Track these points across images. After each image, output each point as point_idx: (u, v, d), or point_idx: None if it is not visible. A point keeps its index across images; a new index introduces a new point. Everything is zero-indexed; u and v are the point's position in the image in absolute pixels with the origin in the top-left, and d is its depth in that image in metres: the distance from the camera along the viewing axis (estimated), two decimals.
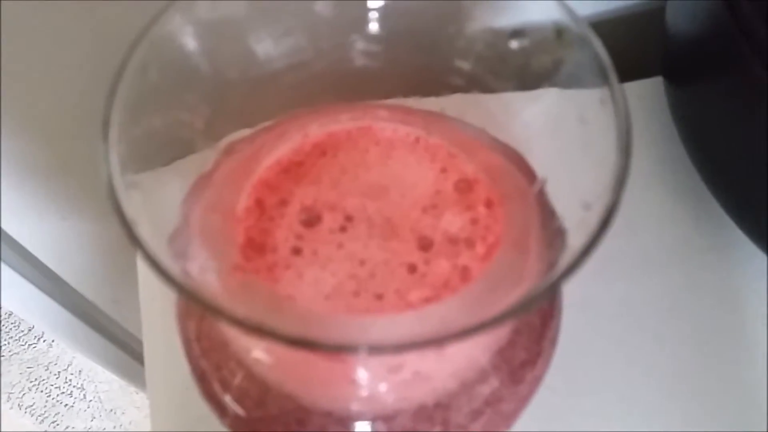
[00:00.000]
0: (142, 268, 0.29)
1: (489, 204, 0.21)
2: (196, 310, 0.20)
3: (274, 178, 0.21)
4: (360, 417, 0.19)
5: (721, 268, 0.30)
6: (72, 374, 0.64)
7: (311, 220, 0.21)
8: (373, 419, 0.19)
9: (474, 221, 0.20)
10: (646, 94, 0.35)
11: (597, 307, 0.28)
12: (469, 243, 0.20)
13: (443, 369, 0.19)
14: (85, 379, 0.65)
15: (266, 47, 0.20)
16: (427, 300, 0.18)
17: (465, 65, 0.20)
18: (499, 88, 0.19)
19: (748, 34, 0.26)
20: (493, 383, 0.19)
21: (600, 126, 0.16)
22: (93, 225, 0.39)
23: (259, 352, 0.19)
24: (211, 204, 0.20)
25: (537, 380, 0.21)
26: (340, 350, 0.13)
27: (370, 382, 0.18)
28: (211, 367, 0.20)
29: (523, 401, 0.20)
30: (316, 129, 0.21)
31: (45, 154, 0.35)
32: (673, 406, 0.26)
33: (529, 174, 0.20)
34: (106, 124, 0.15)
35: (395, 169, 0.22)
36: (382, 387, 0.18)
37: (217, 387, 0.20)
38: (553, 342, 0.21)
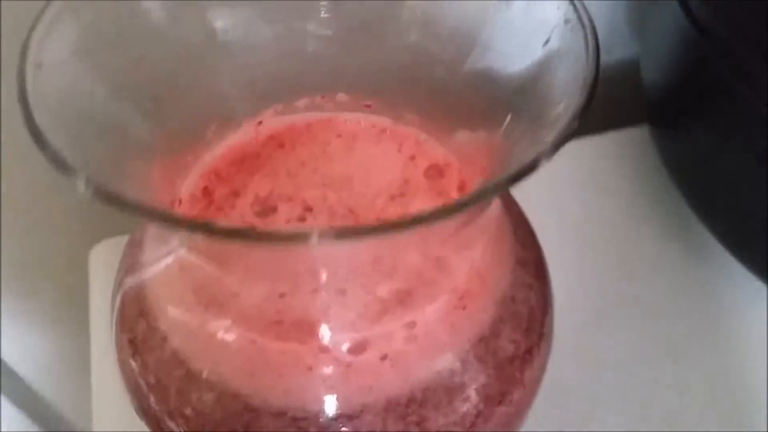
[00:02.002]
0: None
1: (462, 187, 0.19)
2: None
3: (226, 169, 0.19)
4: (319, 416, 0.16)
5: (719, 293, 0.30)
6: None
7: (266, 211, 0.19)
8: (336, 418, 0.16)
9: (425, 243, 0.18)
10: (634, 141, 0.35)
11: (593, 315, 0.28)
12: (427, 260, 0.17)
13: (415, 353, 0.16)
14: None
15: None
16: (398, 293, 0.16)
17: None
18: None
19: (729, 77, 0.26)
20: (478, 378, 0.17)
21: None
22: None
23: (200, 342, 0.16)
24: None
25: (534, 382, 0.18)
26: (291, 240, 0.11)
27: (330, 368, 0.16)
28: (150, 387, 0.17)
29: (520, 404, 0.17)
30: (271, 118, 0.20)
31: None
32: (672, 406, 0.26)
33: None
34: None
35: (359, 160, 0.20)
36: (344, 374, 0.15)
37: (154, 403, 0.17)
38: (547, 341, 0.18)
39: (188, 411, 0.16)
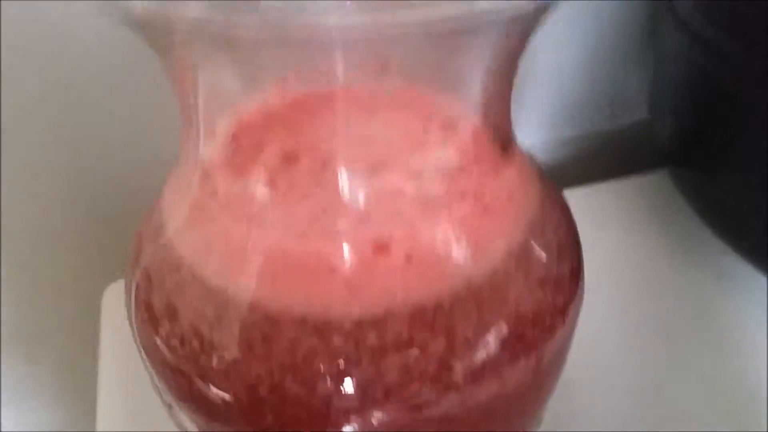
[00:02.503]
0: None
1: (477, 139, 0.19)
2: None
3: (252, 122, 0.19)
4: (341, 321, 0.15)
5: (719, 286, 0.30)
6: None
7: (289, 160, 0.19)
8: (358, 324, 0.15)
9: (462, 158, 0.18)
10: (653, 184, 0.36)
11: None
12: (465, 171, 0.18)
13: (440, 257, 0.15)
14: None
15: None
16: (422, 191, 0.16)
17: None
18: None
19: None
20: (508, 293, 0.16)
21: None
22: None
23: (218, 254, 0.16)
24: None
25: (567, 319, 0.17)
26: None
27: (353, 270, 0.15)
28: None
29: (553, 334, 0.16)
30: (295, 82, 0.20)
31: None
32: (672, 406, 0.26)
33: None
34: None
35: (379, 123, 0.20)
36: (367, 276, 0.15)
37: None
38: (579, 283, 0.18)
39: (203, 328, 0.15)
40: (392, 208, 0.15)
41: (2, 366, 0.35)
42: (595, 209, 0.35)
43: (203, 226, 0.16)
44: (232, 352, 0.15)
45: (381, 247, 0.15)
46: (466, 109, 0.17)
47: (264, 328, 0.15)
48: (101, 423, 0.27)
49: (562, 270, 0.17)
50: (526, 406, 0.18)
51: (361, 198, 0.15)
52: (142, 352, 0.17)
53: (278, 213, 0.15)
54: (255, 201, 0.15)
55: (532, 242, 0.17)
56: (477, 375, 0.15)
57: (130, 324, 0.18)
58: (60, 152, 0.32)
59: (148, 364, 0.17)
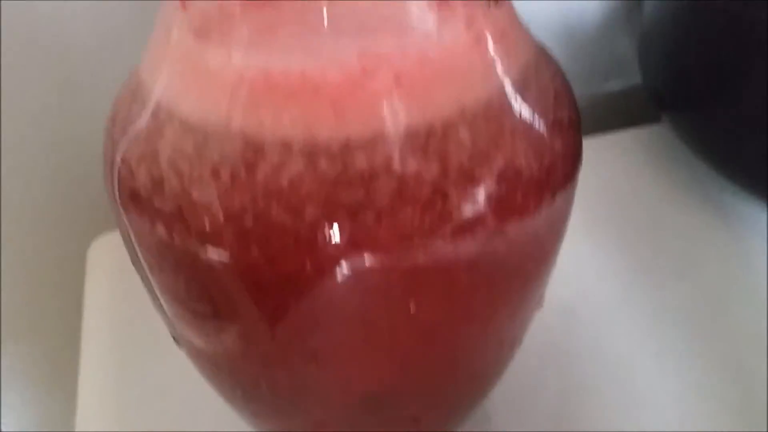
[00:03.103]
0: None
1: None
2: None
3: None
4: (328, 144, 0.14)
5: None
6: None
7: None
8: (346, 146, 0.14)
9: None
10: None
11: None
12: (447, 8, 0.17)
13: (430, 79, 0.15)
14: None
15: None
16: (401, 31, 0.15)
17: None
18: None
19: None
20: (504, 126, 0.15)
21: None
22: None
23: (200, 85, 0.15)
24: None
25: (563, 165, 0.16)
26: None
27: (339, 89, 0.14)
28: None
29: (560, 159, 0.16)
30: None
31: None
32: (672, 406, 0.25)
33: None
34: None
35: None
36: (355, 94, 0.14)
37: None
38: (575, 140, 0.17)
39: (184, 165, 0.15)
40: (379, 27, 0.14)
41: None
42: (596, 161, 0.35)
43: (178, 61, 0.15)
44: (214, 185, 0.14)
45: (368, 67, 0.14)
46: None
47: (247, 155, 0.14)
48: (84, 378, 0.26)
49: (559, 115, 0.16)
50: (523, 265, 0.17)
51: (346, 13, 0.14)
52: (124, 219, 0.16)
53: (258, 33, 0.14)
54: (232, 22, 0.14)
55: (527, 82, 0.16)
56: (472, 206, 0.14)
57: (109, 196, 0.17)
58: (42, 113, 0.31)
59: (131, 232, 0.16)
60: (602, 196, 0.32)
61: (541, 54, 0.17)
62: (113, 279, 0.30)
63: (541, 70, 0.17)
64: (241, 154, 0.14)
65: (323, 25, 0.14)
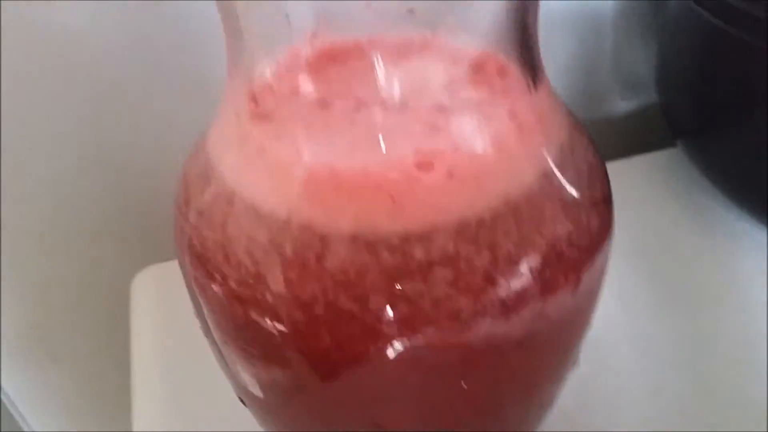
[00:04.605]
0: None
1: (502, 72, 0.20)
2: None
3: (286, 70, 0.20)
4: (390, 237, 0.16)
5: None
6: None
7: (324, 104, 0.20)
8: (406, 239, 0.16)
9: (492, 90, 0.19)
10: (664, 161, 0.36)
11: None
12: (492, 104, 0.18)
13: (480, 173, 0.16)
14: None
15: None
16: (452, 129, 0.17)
17: None
18: None
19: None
20: (544, 211, 0.17)
21: None
22: None
23: (269, 179, 0.16)
24: None
25: (599, 245, 0.17)
26: None
27: (399, 186, 0.16)
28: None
29: (587, 255, 0.17)
30: (324, 32, 0.21)
31: None
32: (673, 406, 0.26)
33: None
34: None
35: (405, 68, 0.21)
36: (413, 191, 0.16)
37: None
38: (609, 209, 0.19)
39: (258, 254, 0.16)
40: (432, 127, 0.16)
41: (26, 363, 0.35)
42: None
43: (251, 155, 0.17)
44: (287, 274, 0.16)
45: (424, 164, 0.16)
46: (492, 46, 0.18)
47: (317, 248, 0.16)
48: (137, 410, 0.27)
49: (594, 193, 0.18)
50: (565, 335, 0.18)
51: (402, 117, 0.16)
52: (196, 292, 0.18)
53: (324, 133, 0.16)
54: (300, 123, 0.16)
55: (565, 163, 0.17)
56: (520, 290, 0.16)
57: (181, 265, 0.18)
58: (84, 146, 0.32)
59: (202, 303, 0.18)
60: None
61: (574, 127, 0.19)
62: (157, 311, 0.31)
63: (575, 146, 0.18)
64: (310, 245, 0.16)
65: (383, 126, 0.16)
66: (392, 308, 0.15)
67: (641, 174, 0.36)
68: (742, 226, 0.33)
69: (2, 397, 0.35)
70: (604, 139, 0.43)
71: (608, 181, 0.19)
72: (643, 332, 0.29)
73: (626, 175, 0.35)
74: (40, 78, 0.29)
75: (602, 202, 0.18)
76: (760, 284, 0.30)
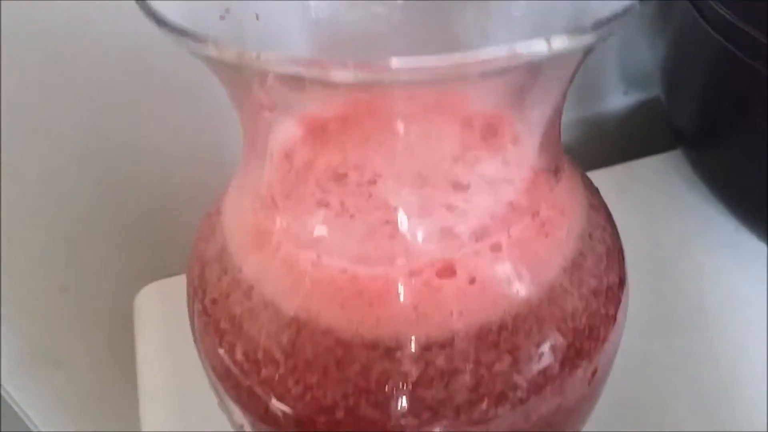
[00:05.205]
0: None
1: (516, 140, 0.19)
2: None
3: (300, 139, 0.20)
4: (411, 345, 0.15)
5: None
6: None
7: (338, 177, 0.19)
8: (428, 346, 0.15)
9: (505, 162, 0.19)
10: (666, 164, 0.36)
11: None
12: (522, 195, 0.18)
13: (502, 277, 0.16)
14: None
15: None
16: (474, 233, 0.16)
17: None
18: None
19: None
20: (566, 308, 0.17)
21: None
22: None
23: (288, 281, 0.16)
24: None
25: (617, 326, 0.17)
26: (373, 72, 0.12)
27: (420, 294, 0.16)
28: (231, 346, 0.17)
29: (606, 343, 0.17)
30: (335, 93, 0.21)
31: None
32: (673, 406, 0.26)
33: None
34: None
35: (418, 130, 0.21)
36: (434, 299, 0.15)
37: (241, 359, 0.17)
38: (625, 288, 0.19)
39: (278, 354, 0.16)
40: (454, 233, 0.16)
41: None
42: (612, 191, 0.36)
43: (269, 252, 0.16)
44: (308, 378, 0.16)
45: (446, 271, 0.15)
46: (520, 139, 0.17)
47: (338, 353, 0.16)
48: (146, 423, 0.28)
49: (611, 278, 0.18)
50: (582, 413, 0.19)
51: (425, 224, 0.15)
52: (212, 374, 0.18)
53: (345, 237, 0.16)
54: (317, 228, 0.16)
55: (585, 252, 0.17)
56: (540, 390, 0.16)
57: (196, 343, 0.18)
58: (90, 160, 0.32)
59: (218, 386, 0.18)
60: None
61: (591, 206, 0.18)
62: (161, 328, 0.31)
63: (594, 230, 0.18)
64: (331, 350, 0.16)
65: (404, 235, 0.15)
66: (413, 415, 0.15)
67: (642, 179, 0.36)
68: (741, 236, 0.33)
69: (9, 401, 0.36)
70: (606, 133, 0.42)
71: (623, 259, 0.19)
72: (640, 342, 0.29)
73: (627, 181, 0.35)
74: (41, 93, 0.29)
75: (618, 286, 0.18)
76: (760, 295, 0.30)
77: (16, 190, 0.31)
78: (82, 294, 0.34)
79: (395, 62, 0.11)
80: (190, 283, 0.19)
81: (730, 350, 0.29)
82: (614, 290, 0.18)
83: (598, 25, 0.12)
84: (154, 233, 0.33)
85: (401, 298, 0.15)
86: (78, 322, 0.35)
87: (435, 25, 0.21)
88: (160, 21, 0.12)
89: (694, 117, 0.34)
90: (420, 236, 0.16)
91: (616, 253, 0.18)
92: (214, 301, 0.17)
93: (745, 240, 0.33)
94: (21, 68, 0.28)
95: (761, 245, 0.32)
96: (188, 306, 0.19)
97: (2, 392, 0.36)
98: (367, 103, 0.16)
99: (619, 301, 0.18)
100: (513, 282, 0.16)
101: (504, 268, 0.16)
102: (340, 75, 0.12)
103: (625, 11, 0.12)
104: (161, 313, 0.32)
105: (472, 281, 0.16)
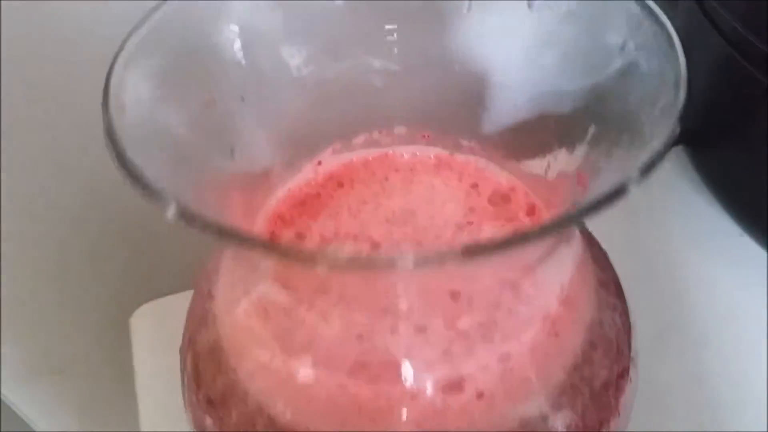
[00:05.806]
0: None
1: (532, 211, 0.18)
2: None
3: (289, 212, 0.19)
4: None
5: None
6: None
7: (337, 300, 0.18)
8: None
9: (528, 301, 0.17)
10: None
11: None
12: (526, 317, 0.17)
13: (512, 388, 0.15)
14: None
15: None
16: (480, 326, 0.15)
17: None
18: None
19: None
20: (576, 408, 0.16)
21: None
22: None
23: (287, 392, 0.15)
24: None
25: (628, 407, 0.17)
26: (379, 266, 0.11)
27: (425, 411, 0.15)
28: None
29: (621, 412, 0.16)
30: (329, 158, 0.20)
31: None
32: (674, 406, 0.26)
33: None
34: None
35: (420, 193, 0.20)
36: (440, 416, 0.15)
37: None
38: (636, 364, 0.18)
39: None
40: (462, 349, 0.15)
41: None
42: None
43: (266, 360, 0.16)
44: None
45: (453, 386, 0.15)
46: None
47: None
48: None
49: (622, 365, 0.17)
50: None
51: (431, 340, 0.15)
52: None
53: (345, 355, 0.15)
54: (313, 341, 0.15)
55: (595, 343, 0.16)
56: None
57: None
58: (90, 176, 0.31)
59: None
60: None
61: (602, 286, 0.18)
62: (158, 349, 0.31)
63: (604, 316, 0.17)
64: None
65: (407, 352, 0.15)
66: None
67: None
68: (742, 241, 0.32)
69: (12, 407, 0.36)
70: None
71: (633, 336, 0.18)
72: (640, 344, 0.29)
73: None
74: (39, 103, 0.27)
75: (628, 370, 0.17)
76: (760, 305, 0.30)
77: (15, 204, 0.30)
78: (79, 306, 0.34)
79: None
80: (183, 369, 0.18)
81: (731, 351, 0.29)
82: (624, 378, 0.17)
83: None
84: (154, 248, 0.33)
85: (404, 416, 0.15)
86: (76, 332, 0.34)
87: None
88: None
89: (696, 119, 0.32)
90: (420, 352, 0.15)
91: (626, 333, 0.18)
92: (210, 402, 0.17)
93: (748, 243, 0.32)
94: (21, 79, 0.26)
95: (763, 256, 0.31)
96: (182, 392, 0.18)
97: (3, 399, 0.36)
98: None
99: (627, 389, 0.17)
100: (523, 394, 0.15)
101: (513, 380, 0.15)
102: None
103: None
104: (158, 334, 0.32)
105: (480, 396, 0.15)
